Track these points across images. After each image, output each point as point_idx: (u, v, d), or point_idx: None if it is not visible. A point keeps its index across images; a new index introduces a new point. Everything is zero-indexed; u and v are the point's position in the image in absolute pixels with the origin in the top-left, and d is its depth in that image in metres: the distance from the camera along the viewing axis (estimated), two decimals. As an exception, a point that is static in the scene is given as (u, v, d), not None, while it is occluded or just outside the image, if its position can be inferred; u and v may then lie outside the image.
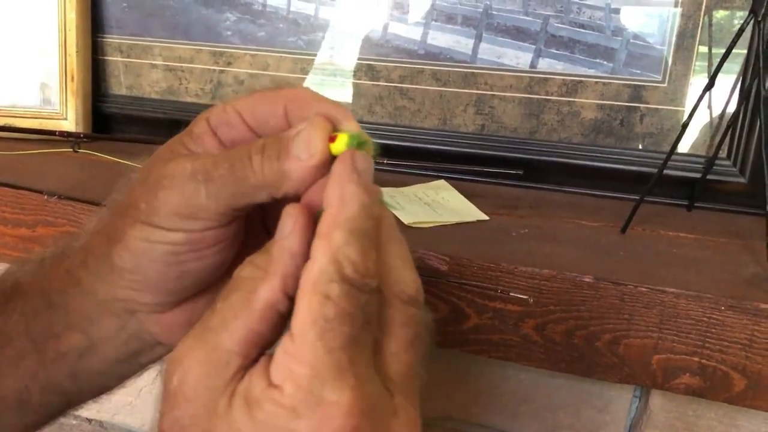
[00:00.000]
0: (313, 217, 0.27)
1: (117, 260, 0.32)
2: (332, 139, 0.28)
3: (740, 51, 0.66)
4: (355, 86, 0.79)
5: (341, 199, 0.26)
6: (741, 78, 0.67)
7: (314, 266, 0.25)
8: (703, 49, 0.69)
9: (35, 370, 0.35)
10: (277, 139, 0.29)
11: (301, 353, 0.23)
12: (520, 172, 0.70)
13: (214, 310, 0.26)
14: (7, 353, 0.35)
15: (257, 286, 0.26)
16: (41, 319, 0.34)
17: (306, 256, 0.26)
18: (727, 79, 0.68)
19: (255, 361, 0.25)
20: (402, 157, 0.73)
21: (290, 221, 0.27)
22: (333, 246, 0.25)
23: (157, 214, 0.30)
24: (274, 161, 0.28)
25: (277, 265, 0.26)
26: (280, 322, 0.26)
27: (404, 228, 0.58)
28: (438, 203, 0.65)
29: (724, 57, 0.57)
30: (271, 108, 0.30)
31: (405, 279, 0.27)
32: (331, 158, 0.28)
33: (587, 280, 0.50)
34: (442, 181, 0.71)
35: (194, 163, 0.29)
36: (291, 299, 0.25)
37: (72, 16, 0.83)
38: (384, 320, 0.26)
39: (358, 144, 0.28)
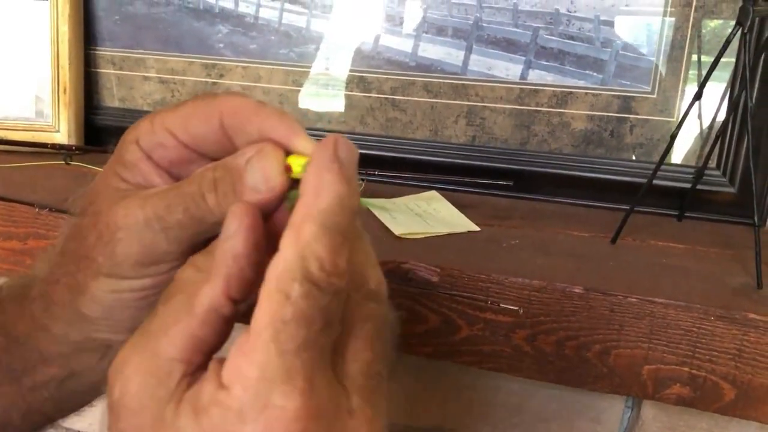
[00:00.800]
0: (262, 213, 0.26)
1: (85, 311, 0.31)
2: (288, 168, 0.27)
3: (730, 60, 0.67)
4: (347, 98, 0.80)
5: (317, 189, 0.24)
6: (730, 89, 0.68)
7: (279, 261, 0.23)
8: (694, 59, 0.69)
9: (14, 399, 0.34)
10: (227, 171, 0.27)
11: (253, 354, 0.22)
12: (511, 183, 0.70)
13: (155, 313, 0.24)
14: None
15: (198, 289, 0.24)
16: (12, 355, 0.34)
17: (251, 257, 0.25)
18: (717, 90, 0.69)
19: (200, 367, 0.24)
20: (393, 168, 0.73)
21: (235, 221, 0.25)
22: (301, 240, 0.23)
23: (119, 266, 0.29)
24: (231, 196, 0.27)
25: (219, 268, 0.25)
26: (225, 326, 0.25)
27: (394, 238, 0.58)
28: (429, 214, 0.65)
29: (711, 68, 0.58)
30: (207, 124, 0.28)
31: (366, 274, 0.26)
32: (292, 181, 0.27)
33: (577, 290, 0.50)
34: (434, 192, 0.71)
35: (145, 209, 0.28)
36: (235, 302, 0.25)
37: (64, 29, 0.83)
38: (345, 316, 0.25)
39: None
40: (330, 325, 0.23)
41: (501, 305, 0.51)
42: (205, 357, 0.25)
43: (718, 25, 0.68)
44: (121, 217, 0.28)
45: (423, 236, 0.59)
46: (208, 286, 0.24)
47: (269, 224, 0.27)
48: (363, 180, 0.68)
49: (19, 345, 0.33)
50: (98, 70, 0.88)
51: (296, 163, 0.27)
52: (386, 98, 0.78)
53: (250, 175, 0.26)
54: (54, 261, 0.32)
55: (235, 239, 0.25)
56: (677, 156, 0.71)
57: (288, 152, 0.27)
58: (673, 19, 0.69)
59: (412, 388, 0.61)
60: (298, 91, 0.81)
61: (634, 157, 0.72)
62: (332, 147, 0.25)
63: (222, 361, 0.24)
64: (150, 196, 0.28)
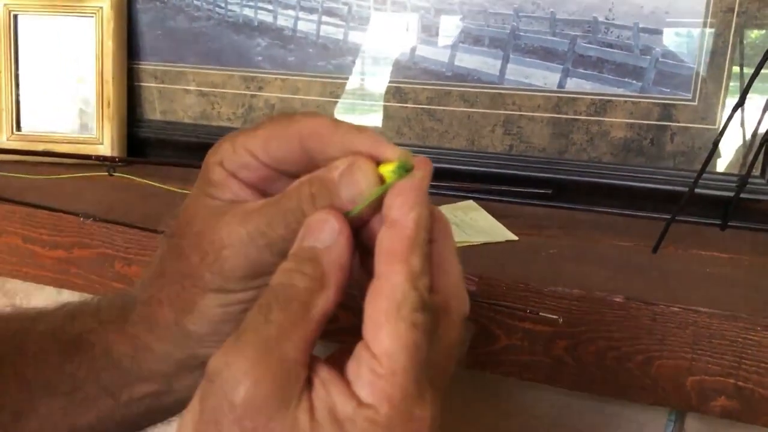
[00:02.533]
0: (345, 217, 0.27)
1: (192, 328, 0.32)
2: (381, 178, 0.27)
3: (772, 68, 0.65)
4: (384, 109, 0.80)
5: (418, 219, 0.26)
6: (774, 95, 0.67)
7: (396, 291, 0.25)
8: (736, 68, 0.68)
9: (110, 412, 0.35)
10: (323, 185, 0.28)
11: (393, 377, 0.24)
12: (549, 192, 0.69)
13: (268, 319, 0.25)
14: (79, 397, 0.35)
15: (314, 298, 0.26)
16: (111, 373, 0.34)
17: (350, 267, 0.27)
18: (761, 97, 0.67)
19: (310, 369, 0.26)
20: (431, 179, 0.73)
21: (331, 232, 0.27)
22: (413, 272, 0.25)
23: (227, 281, 0.30)
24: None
25: (330, 277, 0.26)
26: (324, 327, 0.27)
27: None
28: (467, 224, 0.65)
29: (754, 75, 0.57)
30: (287, 146, 0.29)
31: (465, 299, 0.29)
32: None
33: (618, 299, 0.49)
34: (471, 202, 0.71)
35: (247, 227, 0.29)
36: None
37: (109, 44, 0.86)
38: (440, 336, 0.27)
39: (405, 170, 0.27)
40: (432, 342, 0.26)
41: (540, 314, 0.50)
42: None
43: (760, 35, 0.67)
44: (225, 235, 0.29)
45: (460, 245, 0.59)
46: (323, 295, 0.26)
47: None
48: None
49: (120, 365, 0.34)
50: (141, 83, 0.91)
51: (387, 173, 0.27)
52: (423, 108, 0.78)
53: (346, 188, 0.27)
54: (152, 284, 0.33)
55: (339, 251, 0.27)
56: (720, 165, 0.70)
57: (377, 163, 0.28)
58: (714, 25, 0.68)
59: (447, 398, 0.60)
60: (335, 102, 0.82)
61: (672, 166, 0.70)
62: (428, 177, 0.27)
63: (333, 373, 0.25)
64: (250, 213, 0.29)
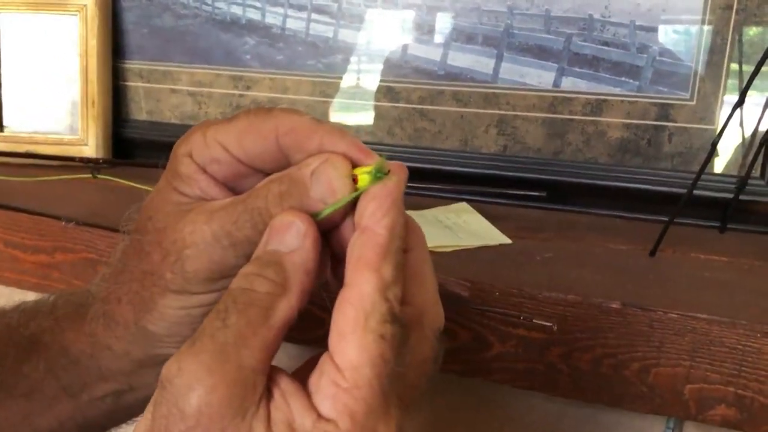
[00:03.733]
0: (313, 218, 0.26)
1: (152, 328, 0.30)
2: (354, 179, 0.26)
3: (771, 67, 0.64)
4: (375, 108, 0.79)
5: (391, 226, 0.25)
6: (774, 94, 0.66)
7: (365, 300, 0.24)
8: (735, 66, 0.67)
9: (71, 413, 0.34)
10: (293, 183, 0.27)
11: (356, 390, 0.23)
12: (544, 194, 0.69)
13: (225, 323, 0.24)
14: (38, 398, 0.34)
15: (275, 303, 0.25)
16: (70, 373, 0.33)
17: (316, 272, 0.26)
18: (760, 97, 0.66)
19: (269, 378, 0.25)
20: (422, 180, 0.72)
21: (296, 234, 0.26)
22: (384, 282, 0.24)
23: (188, 283, 0.29)
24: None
25: (293, 283, 0.25)
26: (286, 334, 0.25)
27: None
28: (459, 226, 0.63)
29: (754, 74, 0.56)
30: (262, 141, 0.28)
31: (440, 314, 0.28)
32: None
33: (614, 306, 0.48)
34: (464, 204, 0.70)
35: (212, 226, 0.28)
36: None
37: (93, 43, 0.84)
38: (410, 349, 0.26)
39: (380, 176, 0.26)
40: (403, 357, 0.25)
41: (534, 321, 0.49)
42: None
43: (759, 32, 0.65)
44: (188, 233, 0.28)
45: (453, 249, 0.58)
46: (285, 301, 0.25)
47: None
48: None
49: (79, 364, 0.33)
50: (126, 83, 0.89)
51: (362, 176, 0.26)
52: (415, 108, 0.77)
53: (317, 187, 0.26)
54: (112, 280, 0.32)
55: (304, 255, 0.25)
56: (719, 166, 0.69)
57: (353, 165, 0.27)
58: (712, 22, 0.66)
59: (439, 406, 0.59)
60: (325, 101, 0.81)
61: (670, 166, 0.69)
62: (402, 184, 0.26)
63: (293, 384, 0.24)
64: (216, 211, 0.28)
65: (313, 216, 0.26)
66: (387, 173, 0.26)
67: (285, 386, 0.24)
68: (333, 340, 0.24)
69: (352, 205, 0.26)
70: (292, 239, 0.26)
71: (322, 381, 0.24)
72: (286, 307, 0.25)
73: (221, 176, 0.29)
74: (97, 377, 0.33)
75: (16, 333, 0.34)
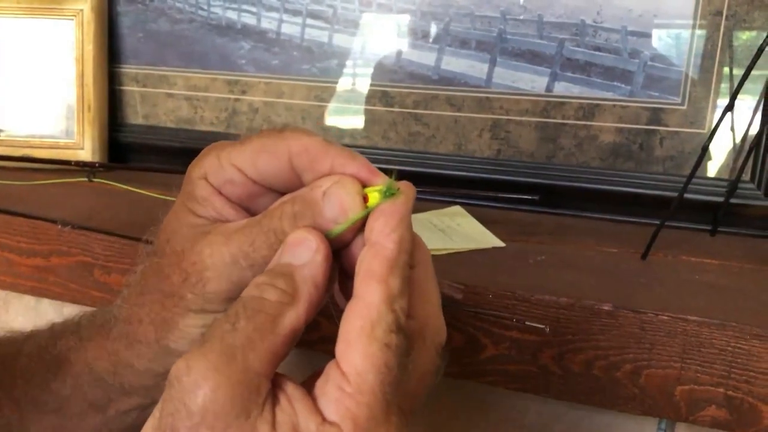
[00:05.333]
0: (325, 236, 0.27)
1: (173, 346, 0.31)
2: (365, 199, 0.27)
3: (763, 73, 0.65)
4: (370, 112, 0.79)
5: (399, 242, 0.26)
6: (763, 100, 0.66)
7: (371, 311, 0.25)
8: (726, 71, 0.67)
9: (99, 426, 0.35)
10: (306, 204, 0.28)
11: (360, 396, 0.24)
12: (537, 198, 0.69)
13: (235, 327, 0.25)
14: (67, 413, 0.35)
15: (283, 311, 0.26)
16: (95, 389, 0.35)
17: (325, 286, 0.27)
18: (751, 101, 0.67)
19: (276, 384, 0.26)
20: (416, 183, 0.72)
21: (308, 249, 0.27)
22: (391, 294, 0.25)
23: (208, 302, 0.30)
24: None
25: (302, 294, 0.26)
26: (293, 346, 0.26)
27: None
28: (453, 229, 0.64)
29: (743, 79, 0.56)
30: (276, 162, 0.29)
31: (442, 326, 0.29)
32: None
33: (606, 308, 0.48)
34: (458, 207, 0.70)
35: (230, 248, 0.29)
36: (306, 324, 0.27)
37: (89, 48, 0.85)
38: (412, 360, 0.27)
39: (390, 194, 0.27)
40: (405, 367, 0.26)
41: (527, 323, 0.49)
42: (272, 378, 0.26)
43: (750, 36, 0.66)
44: (207, 256, 0.29)
45: (446, 252, 0.58)
46: (293, 310, 0.26)
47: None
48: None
49: (103, 381, 0.34)
50: (122, 87, 0.89)
51: (371, 195, 0.27)
52: (409, 112, 0.78)
53: (329, 207, 0.27)
54: (132, 300, 0.33)
55: (315, 268, 0.27)
56: (710, 169, 0.69)
57: (363, 185, 0.28)
58: (703, 28, 0.67)
59: (434, 409, 0.60)
60: (320, 106, 0.81)
61: (662, 170, 0.70)
62: (410, 202, 0.28)
63: (299, 389, 0.25)
64: (233, 233, 0.29)
65: (327, 234, 0.27)
66: (396, 191, 0.27)
67: (291, 391, 0.25)
68: (340, 347, 0.25)
69: (362, 224, 0.27)
70: (304, 253, 0.27)
71: (327, 386, 0.25)
72: (293, 316, 0.26)
73: (236, 197, 0.30)
74: (121, 393, 0.34)
75: (45, 352, 0.36)
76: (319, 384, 0.25)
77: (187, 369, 0.24)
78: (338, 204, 0.27)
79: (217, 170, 0.30)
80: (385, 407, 0.25)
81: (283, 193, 0.30)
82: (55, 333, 0.37)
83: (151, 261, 0.32)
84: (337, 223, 0.27)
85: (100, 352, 0.34)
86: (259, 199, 0.31)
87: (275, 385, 0.25)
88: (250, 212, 0.31)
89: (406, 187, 0.28)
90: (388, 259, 0.26)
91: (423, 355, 0.28)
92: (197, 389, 0.24)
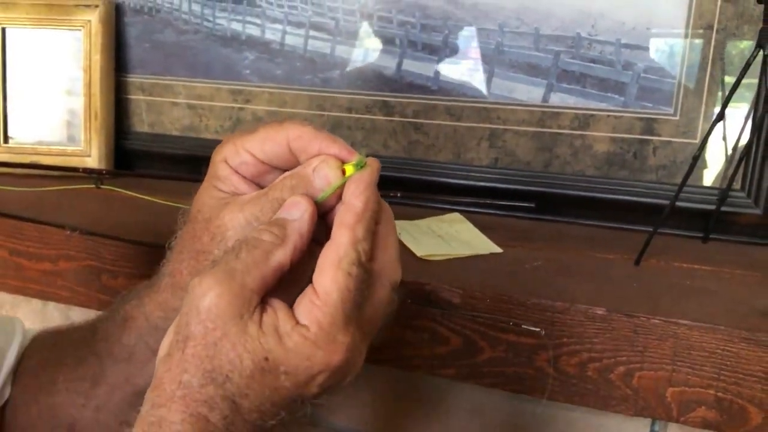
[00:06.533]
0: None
1: None
2: (343, 172, 0.36)
3: (752, 81, 0.67)
4: (370, 121, 0.81)
5: (366, 201, 0.34)
6: (753, 110, 0.68)
7: (340, 248, 0.33)
8: (717, 82, 0.69)
9: None
10: (300, 178, 0.36)
11: (326, 307, 0.33)
12: (533, 205, 0.70)
13: (237, 256, 0.33)
14: (134, 361, 0.44)
15: (274, 249, 0.34)
16: (154, 337, 0.43)
17: (310, 236, 0.35)
18: (741, 111, 0.69)
19: (263, 302, 0.33)
20: (416, 190, 0.74)
21: (300, 208, 0.35)
22: (356, 237, 0.34)
23: None
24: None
25: (290, 239, 0.34)
26: (279, 279, 0.34)
27: (417, 260, 0.58)
28: (451, 236, 0.65)
29: (732, 90, 0.58)
30: (278, 146, 0.38)
31: (398, 269, 0.37)
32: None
33: (600, 312, 0.50)
34: (456, 214, 0.72)
35: (244, 213, 0.37)
36: (292, 264, 0.34)
37: (97, 57, 0.86)
38: (371, 292, 0.35)
39: (361, 167, 0.36)
40: (363, 293, 0.34)
41: (523, 327, 0.51)
42: (263, 297, 0.34)
43: (741, 48, 0.68)
44: (228, 220, 0.38)
45: (445, 258, 0.59)
46: (281, 249, 0.34)
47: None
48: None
49: (158, 329, 0.42)
50: (128, 96, 0.91)
51: (349, 167, 0.36)
52: (409, 122, 0.79)
53: (317, 179, 0.36)
54: (174, 258, 0.41)
55: (302, 223, 0.35)
56: (702, 178, 0.71)
57: (343, 163, 0.36)
58: (694, 41, 0.69)
59: (433, 410, 0.61)
60: (322, 115, 0.83)
61: (654, 179, 0.71)
62: (376, 172, 0.35)
63: (283, 305, 0.33)
64: (246, 203, 0.38)
65: (315, 200, 0.35)
66: (365, 165, 0.36)
67: (276, 305, 0.33)
68: (315, 274, 0.33)
69: (341, 191, 0.35)
70: (296, 212, 0.35)
71: (303, 300, 0.33)
72: (281, 254, 0.34)
73: (249, 175, 0.39)
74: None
75: (116, 313, 0.45)
76: (298, 300, 0.33)
77: (199, 281, 0.33)
78: (324, 177, 0.36)
79: (234, 154, 0.38)
80: (345, 319, 0.33)
81: (284, 170, 0.38)
82: (122, 298, 0.45)
83: (187, 227, 0.40)
84: (323, 191, 0.36)
85: (154, 305, 0.43)
86: (266, 176, 0.39)
87: (265, 302, 0.33)
88: (260, 186, 0.39)
89: (373, 162, 0.36)
90: (356, 213, 0.34)
91: (380, 289, 0.35)
92: (205, 295, 0.32)
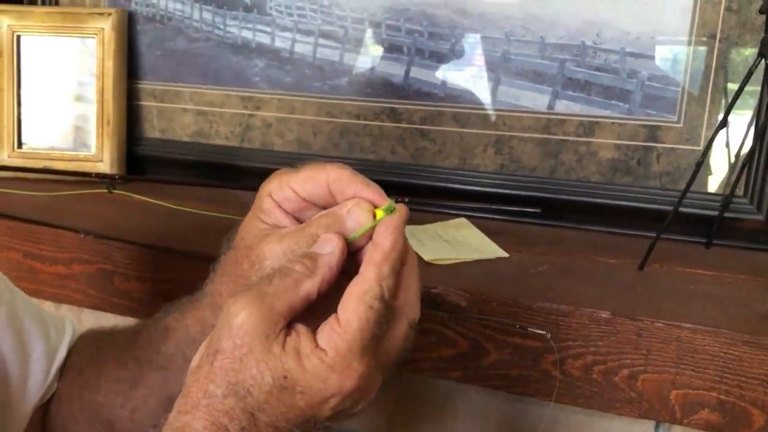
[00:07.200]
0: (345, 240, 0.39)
1: None
2: (374, 216, 0.39)
3: (755, 88, 0.68)
4: (378, 128, 0.82)
5: (394, 243, 0.37)
6: (756, 118, 0.69)
7: (365, 283, 0.36)
8: (720, 90, 0.70)
9: None
10: (335, 218, 0.39)
11: (345, 335, 0.35)
12: (539, 211, 0.71)
13: (270, 282, 0.36)
14: (171, 369, 0.46)
15: (304, 279, 0.37)
16: (191, 348, 0.43)
17: (338, 270, 0.37)
18: (744, 118, 0.69)
19: (289, 326, 0.36)
20: (423, 196, 0.75)
21: (331, 245, 0.38)
22: (381, 274, 0.36)
23: None
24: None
25: (319, 271, 0.37)
26: (307, 309, 0.37)
27: (424, 264, 0.59)
28: (458, 240, 0.66)
29: (735, 98, 0.59)
30: (319, 186, 0.41)
31: (417, 309, 0.39)
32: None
33: (604, 315, 0.50)
34: (463, 219, 0.73)
35: (282, 245, 0.40)
36: (320, 294, 0.37)
37: (109, 64, 0.87)
38: (390, 328, 0.37)
39: (390, 211, 0.39)
40: (382, 327, 0.37)
41: (529, 330, 0.51)
42: (291, 320, 0.36)
43: (745, 55, 0.69)
44: (267, 250, 0.41)
45: (452, 262, 0.60)
46: (310, 280, 0.37)
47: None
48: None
49: (196, 341, 0.43)
50: (140, 102, 0.92)
51: (379, 212, 0.39)
52: (416, 128, 0.80)
53: (350, 220, 0.39)
54: (216, 280, 0.45)
55: (332, 256, 0.38)
56: (706, 184, 0.72)
57: (374, 206, 0.40)
58: (698, 49, 0.70)
59: (437, 412, 0.61)
60: (330, 121, 0.84)
61: (658, 185, 0.72)
62: (405, 217, 0.38)
63: (307, 329, 0.36)
64: (285, 236, 0.41)
65: (346, 238, 0.38)
66: (394, 210, 0.38)
67: (300, 329, 0.36)
68: (340, 304, 0.36)
69: (371, 232, 0.38)
70: (328, 247, 0.38)
71: (325, 327, 0.36)
72: (309, 284, 0.37)
73: (290, 209, 0.42)
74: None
75: (158, 324, 0.48)
76: (321, 327, 0.36)
77: (234, 301, 0.35)
78: (356, 218, 0.39)
79: (278, 190, 0.42)
80: (362, 348, 0.35)
81: (323, 208, 0.41)
82: (166, 310, 0.48)
83: (230, 253, 0.44)
84: (355, 231, 0.39)
85: (193, 320, 0.46)
86: (306, 211, 0.42)
87: (291, 326, 0.36)
88: (300, 221, 0.42)
89: (401, 207, 0.39)
90: (384, 252, 0.37)
91: (399, 325, 0.38)
92: (237, 314, 0.35)
